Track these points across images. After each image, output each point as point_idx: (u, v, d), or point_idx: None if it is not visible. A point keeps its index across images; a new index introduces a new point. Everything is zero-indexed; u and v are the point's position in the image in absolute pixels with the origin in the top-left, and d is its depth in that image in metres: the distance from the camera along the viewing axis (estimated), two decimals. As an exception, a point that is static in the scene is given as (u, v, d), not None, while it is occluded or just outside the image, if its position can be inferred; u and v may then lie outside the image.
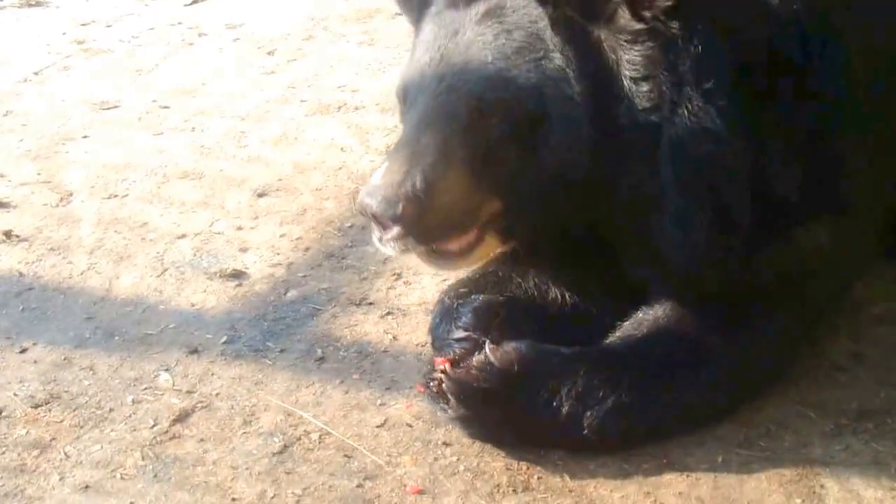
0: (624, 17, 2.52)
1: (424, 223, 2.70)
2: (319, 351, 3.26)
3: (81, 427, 2.98)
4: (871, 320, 3.24)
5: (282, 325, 3.40)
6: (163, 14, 6.68)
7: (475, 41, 2.67)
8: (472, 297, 3.06)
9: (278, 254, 3.80)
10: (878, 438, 2.79)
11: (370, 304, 3.48)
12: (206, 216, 4.09)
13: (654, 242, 2.71)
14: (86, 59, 5.93)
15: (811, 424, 2.85)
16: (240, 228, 3.98)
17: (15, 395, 3.11)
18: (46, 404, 3.07)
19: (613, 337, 2.94)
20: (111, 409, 3.05)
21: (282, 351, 3.27)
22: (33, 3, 7.01)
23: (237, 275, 3.68)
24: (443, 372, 2.82)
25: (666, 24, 2.49)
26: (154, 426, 2.97)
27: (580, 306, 3.08)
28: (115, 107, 5.19)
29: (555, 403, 2.72)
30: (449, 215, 2.74)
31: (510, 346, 2.78)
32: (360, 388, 3.09)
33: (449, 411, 2.81)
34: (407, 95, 2.84)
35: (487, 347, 2.79)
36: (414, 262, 3.62)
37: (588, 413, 2.72)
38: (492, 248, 2.95)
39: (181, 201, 4.22)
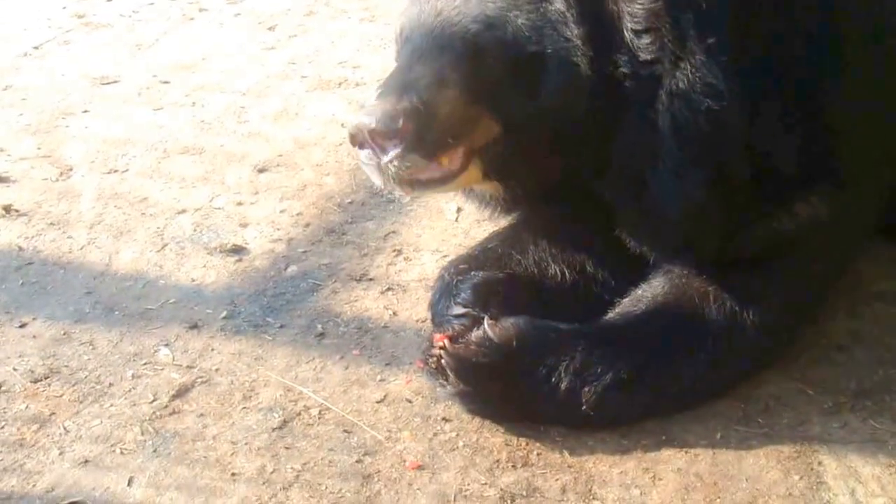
0: None
1: (425, 137, 2.64)
2: (319, 326, 3.27)
3: (81, 402, 2.99)
4: (870, 298, 3.26)
5: (282, 301, 3.40)
6: (163, -12, 6.67)
7: None
8: (472, 273, 3.06)
9: (278, 229, 3.81)
10: (876, 416, 2.81)
11: (370, 279, 3.48)
12: (206, 191, 4.09)
13: (650, 197, 2.70)
14: (86, 33, 5.91)
15: (810, 402, 2.87)
16: (240, 204, 3.99)
17: (14, 369, 3.11)
18: (46, 379, 3.08)
19: (613, 313, 2.94)
20: (111, 384, 3.05)
21: (282, 326, 3.28)
22: (33, -23, 6.99)
23: (237, 250, 3.68)
24: (442, 348, 2.83)
25: None
26: (154, 401, 2.98)
27: (580, 283, 3.08)
28: (115, 81, 5.18)
29: (553, 379, 2.73)
30: (448, 128, 2.68)
31: (509, 322, 2.79)
32: (359, 363, 3.10)
33: (448, 387, 2.83)
34: (403, 32, 2.81)
35: (486, 323, 2.79)
36: (413, 239, 3.64)
37: (586, 389, 2.73)
38: (473, 178, 2.87)
39: (181, 176, 4.22)
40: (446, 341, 2.81)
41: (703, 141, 2.56)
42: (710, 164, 2.59)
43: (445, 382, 2.83)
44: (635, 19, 2.51)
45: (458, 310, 2.97)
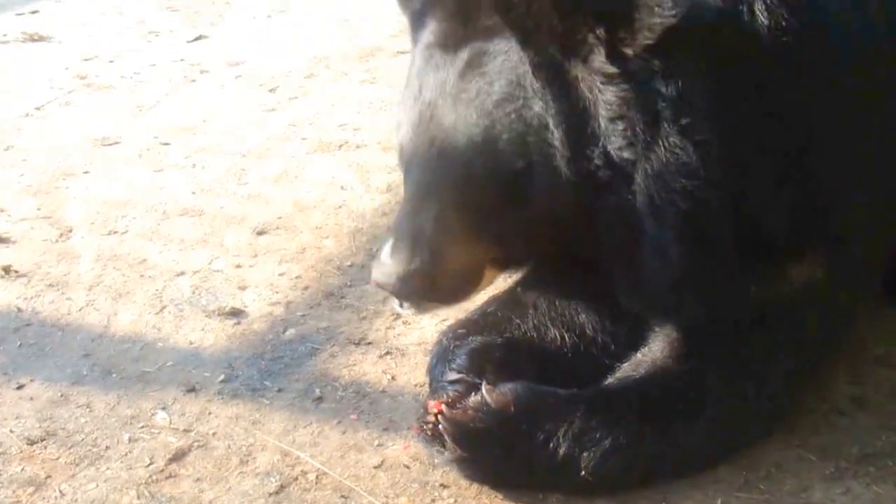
0: (599, 57, 2.51)
1: (437, 289, 2.78)
2: (317, 390, 3.26)
3: (77, 465, 2.98)
4: (872, 363, 3.25)
5: (280, 365, 3.40)
6: (165, 51, 6.73)
7: (460, 97, 2.66)
8: (469, 338, 3.06)
9: (277, 292, 3.81)
10: (879, 482, 2.79)
11: (369, 343, 3.48)
12: (205, 254, 4.10)
13: (638, 270, 2.70)
14: (88, 94, 5.96)
15: (812, 468, 2.85)
16: (239, 266, 4.00)
17: (11, 431, 3.11)
18: (42, 441, 3.07)
19: (612, 378, 2.94)
20: (107, 447, 3.04)
21: (279, 390, 3.27)
22: (36, 37, 7.05)
23: (236, 313, 3.68)
24: (438, 413, 2.82)
25: (646, 62, 2.49)
26: (150, 465, 2.97)
27: (580, 346, 3.08)
28: (116, 143, 5.21)
29: (552, 444, 2.72)
30: (458, 277, 2.81)
31: (506, 388, 2.79)
32: (357, 428, 3.09)
33: (445, 453, 2.81)
34: (403, 152, 2.86)
35: (484, 389, 2.79)
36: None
37: (585, 454, 2.72)
38: (492, 278, 2.98)
39: (181, 238, 4.23)
40: (444, 407, 2.81)
41: (682, 218, 2.56)
42: (690, 239, 2.59)
43: (443, 448, 2.82)
44: (609, 106, 2.52)
45: (453, 375, 2.97)
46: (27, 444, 3.06)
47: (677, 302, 2.76)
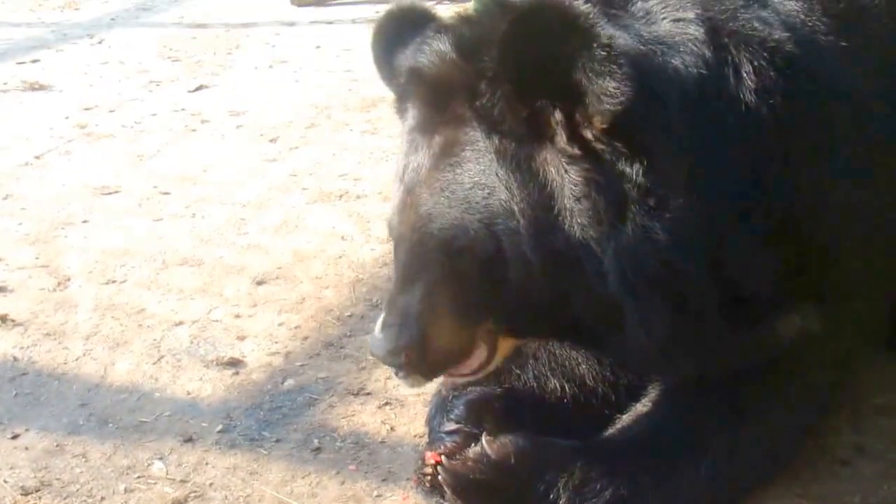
0: (562, 139, 2.52)
1: (429, 362, 2.78)
2: (316, 441, 3.27)
3: (72, 515, 2.99)
4: (873, 412, 3.25)
5: (278, 415, 3.41)
6: (166, 100, 6.78)
7: (435, 184, 2.70)
8: (469, 389, 3.07)
9: (276, 342, 3.83)
10: (881, 533, 2.80)
11: (368, 394, 3.49)
12: (204, 303, 4.12)
13: (623, 344, 2.73)
14: (88, 143, 6.01)
15: (813, 519, 2.86)
16: (238, 316, 4.01)
17: (5, 481, 3.11)
18: (37, 492, 3.07)
19: (612, 429, 2.95)
20: (103, 498, 3.05)
21: (278, 441, 3.28)
22: (37, 86, 7.12)
23: (234, 363, 3.69)
24: (438, 464, 2.84)
25: (607, 143, 2.49)
26: (146, 515, 2.98)
27: (580, 398, 3.09)
28: (116, 192, 5.24)
29: (552, 496, 2.73)
30: (448, 349, 2.80)
31: (506, 439, 2.80)
32: (356, 479, 3.09)
33: (446, 503, 2.83)
34: (391, 231, 2.91)
35: (484, 440, 2.80)
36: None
37: (586, 505, 2.74)
38: (507, 348, 2.97)
39: (179, 288, 4.25)
40: (443, 458, 2.82)
41: (659, 291, 2.57)
42: (671, 309, 2.60)
43: (442, 500, 2.84)
44: (573, 187, 2.53)
45: (451, 426, 2.99)
46: (21, 494, 3.06)
47: (667, 364, 2.78)
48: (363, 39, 7.61)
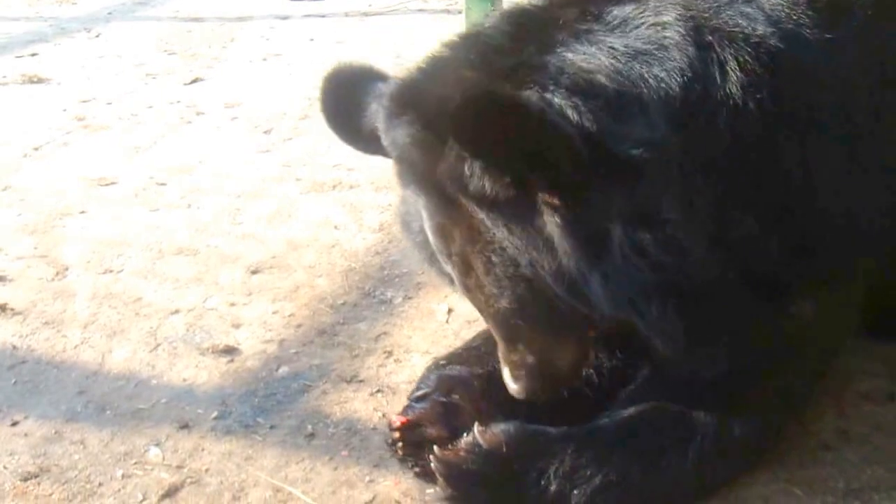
0: (544, 193, 2.53)
1: (554, 384, 2.90)
2: (309, 427, 3.25)
3: (70, 501, 2.96)
4: (857, 398, 3.23)
5: (272, 402, 3.38)
6: (162, 93, 6.75)
7: (480, 268, 2.74)
8: (448, 367, 3.11)
9: (270, 330, 3.80)
10: (865, 516, 2.78)
11: (360, 381, 3.46)
12: (199, 292, 4.09)
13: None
14: (85, 135, 5.97)
15: (798, 502, 2.83)
16: (233, 305, 3.99)
17: (5, 467, 3.09)
18: (36, 478, 3.05)
19: (602, 415, 2.93)
20: (100, 484, 3.03)
21: (272, 427, 3.26)
22: (35, 79, 7.08)
23: (229, 351, 3.67)
24: (403, 426, 2.92)
25: (586, 180, 2.49)
26: (143, 501, 2.95)
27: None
28: (113, 183, 5.21)
29: (542, 483, 2.71)
30: (561, 367, 2.90)
31: (498, 428, 2.78)
32: (348, 464, 3.07)
33: (437, 490, 2.83)
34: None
35: (476, 430, 2.79)
36: (404, 340, 3.63)
37: (575, 492, 2.71)
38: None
39: (175, 277, 4.22)
40: (435, 448, 2.80)
41: (661, 300, 2.57)
42: (678, 314, 2.59)
43: (415, 468, 2.92)
44: (562, 231, 2.54)
45: (419, 393, 3.02)
46: (21, 480, 3.04)
47: (700, 362, 2.78)
48: (356, 32, 7.64)
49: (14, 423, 3.31)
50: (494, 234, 2.64)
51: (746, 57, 2.57)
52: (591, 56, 2.52)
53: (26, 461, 3.12)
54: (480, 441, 2.76)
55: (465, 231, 2.71)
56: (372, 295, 4.01)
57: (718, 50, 2.57)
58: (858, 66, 2.78)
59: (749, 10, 2.68)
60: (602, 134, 2.45)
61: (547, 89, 2.47)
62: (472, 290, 2.83)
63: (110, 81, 7.04)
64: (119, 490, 3.00)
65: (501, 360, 2.91)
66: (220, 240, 4.54)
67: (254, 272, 4.24)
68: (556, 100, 2.46)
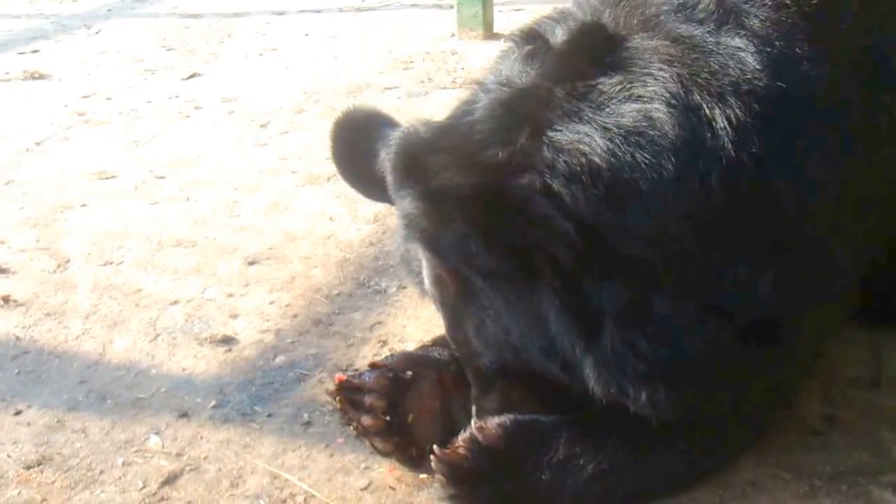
0: (547, 274, 2.54)
1: None
2: (306, 415, 3.24)
3: (72, 488, 2.95)
4: (844, 384, 3.23)
5: (270, 390, 3.37)
6: (161, 88, 6.72)
7: (471, 328, 2.79)
8: (430, 349, 3.16)
9: (267, 320, 3.79)
10: (852, 499, 2.77)
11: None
12: (198, 283, 4.08)
13: None
14: (86, 130, 5.95)
15: (786, 486, 2.83)
16: (230, 295, 3.97)
17: (8, 456, 3.08)
18: (38, 465, 3.04)
19: (594, 405, 2.91)
20: (101, 471, 3.02)
21: (269, 415, 3.25)
22: (37, 75, 7.06)
23: (227, 340, 3.66)
24: (340, 383, 3.02)
25: (583, 269, 2.50)
26: (143, 488, 2.94)
27: None
28: (113, 177, 5.20)
29: (537, 473, 2.71)
30: None
31: (494, 423, 2.77)
32: (344, 452, 3.06)
33: (435, 486, 2.84)
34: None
35: (474, 426, 2.79)
36: (399, 329, 3.62)
37: (568, 481, 2.71)
38: None
39: (174, 269, 4.21)
40: (436, 448, 2.78)
41: (652, 385, 2.57)
42: (670, 392, 2.59)
43: (348, 426, 3.06)
44: (557, 313, 2.57)
45: (378, 362, 3.09)
46: (24, 468, 3.03)
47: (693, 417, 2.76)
48: (349, 27, 7.62)
49: (17, 413, 3.30)
50: (492, 301, 2.68)
51: (736, 111, 2.52)
52: (584, 136, 2.49)
53: (29, 449, 3.11)
54: (478, 437, 2.75)
55: (462, 291, 2.74)
56: (367, 285, 4.00)
57: (707, 110, 2.53)
58: (852, 72, 2.76)
59: (739, 42, 2.63)
60: (601, 227, 2.46)
61: (544, 175, 2.47)
62: (458, 341, 2.87)
63: (110, 77, 7.02)
64: (120, 477, 2.99)
65: (473, 399, 2.92)
66: (218, 232, 4.52)
67: (251, 263, 4.22)
68: (555, 186, 2.46)
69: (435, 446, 2.79)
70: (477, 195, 2.49)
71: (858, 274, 2.86)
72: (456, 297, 2.76)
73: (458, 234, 2.58)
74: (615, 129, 2.50)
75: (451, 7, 7.69)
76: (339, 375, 3.11)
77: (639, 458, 2.77)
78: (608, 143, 2.48)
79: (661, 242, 2.50)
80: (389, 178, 2.81)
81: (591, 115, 2.54)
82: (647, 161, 2.47)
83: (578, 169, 2.45)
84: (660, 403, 2.58)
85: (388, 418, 2.96)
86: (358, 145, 2.98)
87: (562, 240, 2.43)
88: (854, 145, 2.76)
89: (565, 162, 2.47)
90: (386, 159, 2.83)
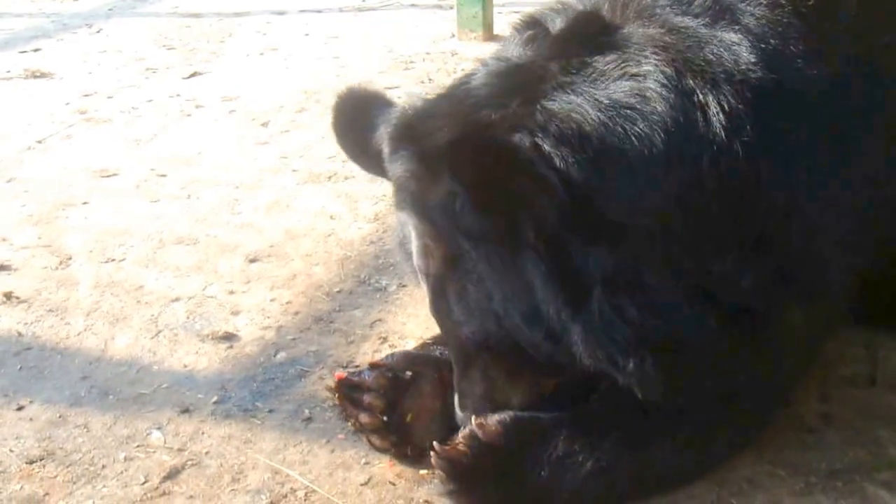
0: (530, 237, 2.55)
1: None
2: (307, 411, 3.25)
3: (74, 483, 2.96)
4: (840, 382, 3.24)
5: (271, 387, 3.38)
6: (162, 86, 6.73)
7: (452, 295, 2.79)
8: (430, 347, 3.19)
9: (268, 317, 3.80)
10: (847, 496, 2.78)
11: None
12: (199, 280, 4.09)
13: None
14: (87, 128, 5.97)
15: (782, 483, 2.84)
16: (232, 292, 3.98)
17: (10, 451, 3.09)
18: (41, 460, 3.05)
19: (593, 400, 2.93)
20: (103, 466, 3.03)
21: (270, 411, 3.26)
22: (38, 74, 7.07)
23: (228, 337, 3.67)
24: (340, 380, 3.02)
25: (568, 234, 2.52)
26: (145, 483, 2.95)
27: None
28: (115, 174, 5.21)
29: (536, 469, 2.72)
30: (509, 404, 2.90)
31: (493, 420, 2.78)
32: (345, 447, 3.07)
33: (435, 482, 2.84)
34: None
35: (473, 424, 2.79)
36: (399, 327, 3.63)
37: (567, 477, 2.71)
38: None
39: (176, 266, 4.22)
40: (436, 444, 2.79)
41: (639, 356, 2.58)
42: (657, 368, 2.60)
43: (345, 422, 3.08)
44: (543, 279, 2.58)
45: (379, 362, 3.09)
46: (26, 463, 3.04)
47: (678, 401, 2.76)
48: (350, 27, 7.63)
49: (20, 408, 3.31)
50: (476, 265, 2.67)
51: (729, 98, 2.54)
52: (576, 106, 2.52)
53: (31, 444, 3.12)
54: (478, 433, 2.76)
55: (447, 256, 2.74)
56: (367, 283, 4.01)
57: (700, 95, 2.55)
58: (848, 72, 2.76)
59: (733, 35, 2.65)
60: (589, 190, 2.47)
61: (536, 135, 2.48)
62: (440, 313, 2.87)
63: (111, 76, 7.03)
64: (122, 472, 3.00)
65: (455, 385, 2.94)
66: (220, 229, 4.54)
67: (252, 261, 4.23)
68: (545, 147, 2.47)
69: (435, 442, 2.81)
70: (464, 147, 2.51)
71: (854, 272, 2.87)
72: (441, 263, 2.76)
73: (445, 193, 2.60)
74: (607, 102, 2.53)
75: (452, 8, 7.70)
76: (339, 373, 3.13)
77: (637, 454, 2.77)
78: (600, 113, 2.51)
79: (650, 215, 2.51)
80: (385, 149, 2.84)
81: (584, 88, 2.57)
82: (637, 133, 2.49)
83: (569, 132, 2.47)
84: (647, 375, 2.59)
85: (385, 418, 2.97)
86: (358, 120, 2.99)
87: (548, 194, 2.44)
88: (848, 144, 2.77)
89: (557, 126, 2.49)
90: (383, 132, 2.86)
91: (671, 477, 2.83)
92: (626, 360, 2.57)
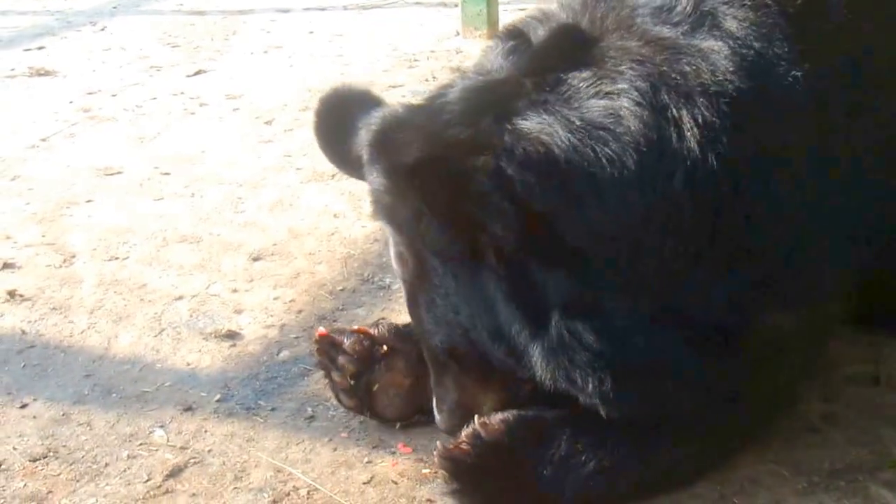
0: (490, 258, 2.58)
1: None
2: (309, 410, 3.25)
3: (77, 481, 2.97)
4: (843, 382, 3.24)
5: (273, 385, 3.39)
6: (166, 84, 6.73)
7: (423, 305, 2.84)
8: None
9: (272, 316, 3.81)
10: (850, 496, 2.78)
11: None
12: (202, 279, 4.10)
13: None
14: (91, 126, 5.97)
15: (784, 482, 2.84)
16: (235, 291, 3.99)
17: (14, 448, 3.10)
18: (44, 458, 3.06)
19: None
20: (107, 464, 3.03)
21: (273, 409, 3.26)
22: (42, 72, 7.07)
23: (231, 335, 3.67)
24: (321, 336, 3.10)
25: (529, 255, 2.54)
26: (148, 481, 2.95)
27: None
28: (118, 173, 5.21)
29: (538, 468, 2.72)
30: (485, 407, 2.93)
31: (496, 419, 2.78)
32: (347, 445, 3.08)
33: (439, 482, 2.84)
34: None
35: (476, 422, 2.79)
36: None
37: (570, 476, 2.72)
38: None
39: (179, 264, 4.23)
40: (439, 443, 2.80)
41: (602, 376, 2.59)
42: (631, 390, 2.63)
43: (328, 377, 3.13)
44: (504, 301, 2.62)
45: (365, 328, 3.15)
46: (29, 460, 3.05)
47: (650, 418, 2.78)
48: (354, 25, 7.63)
49: (23, 406, 3.32)
50: (443, 280, 2.71)
51: (703, 111, 2.51)
52: (546, 126, 2.50)
53: (35, 442, 3.13)
54: (481, 432, 2.76)
55: (417, 268, 2.77)
56: (370, 281, 4.02)
57: (674, 110, 2.52)
58: (831, 78, 2.73)
59: (713, 43, 2.62)
60: (552, 216, 2.48)
61: (500, 158, 2.48)
62: (414, 319, 2.93)
63: (115, 74, 7.03)
64: (125, 470, 3.00)
65: (433, 385, 2.97)
66: (223, 228, 4.54)
67: (255, 259, 4.24)
68: (509, 171, 2.47)
69: (438, 441, 2.81)
70: (427, 168, 2.52)
71: (849, 274, 2.87)
72: (413, 273, 2.80)
73: (412, 209, 2.62)
74: (579, 123, 2.51)
75: (456, 5, 7.70)
76: (322, 330, 3.17)
77: (640, 454, 2.78)
78: (570, 135, 2.49)
79: (617, 238, 2.51)
80: (364, 156, 2.85)
81: (557, 108, 2.55)
82: (608, 156, 2.48)
83: (535, 156, 2.47)
84: (607, 396, 2.59)
85: (352, 382, 3.05)
86: (341, 122, 3.00)
87: (500, 220, 2.45)
88: (833, 147, 2.75)
89: (524, 149, 2.48)
90: (363, 136, 2.86)
91: (674, 476, 2.83)
92: (585, 381, 2.58)
